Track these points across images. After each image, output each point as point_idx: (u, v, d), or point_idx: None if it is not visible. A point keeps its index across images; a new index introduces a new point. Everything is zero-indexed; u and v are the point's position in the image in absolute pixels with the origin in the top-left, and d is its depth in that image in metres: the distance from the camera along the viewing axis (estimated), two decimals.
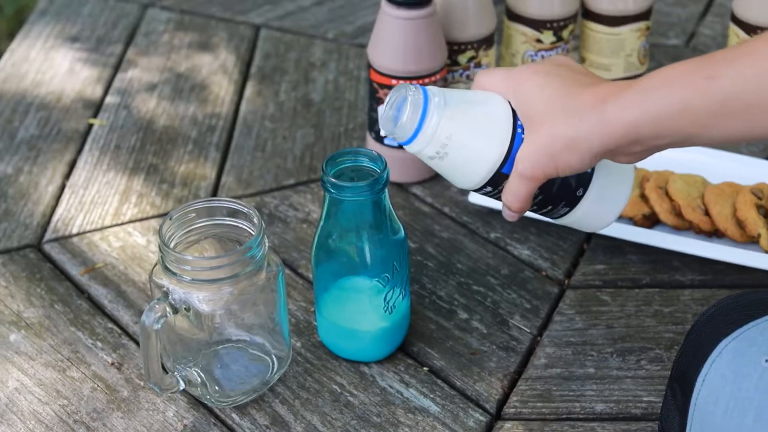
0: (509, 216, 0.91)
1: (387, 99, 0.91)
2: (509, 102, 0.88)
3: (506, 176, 0.88)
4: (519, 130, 0.87)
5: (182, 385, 1.00)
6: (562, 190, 0.90)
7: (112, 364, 1.07)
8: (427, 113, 0.87)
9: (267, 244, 0.98)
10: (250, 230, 0.99)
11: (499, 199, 0.91)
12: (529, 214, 0.94)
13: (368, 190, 0.97)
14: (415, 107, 0.88)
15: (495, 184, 0.89)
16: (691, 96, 0.79)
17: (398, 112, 0.90)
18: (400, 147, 1.25)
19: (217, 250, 1.02)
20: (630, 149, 0.83)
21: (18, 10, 2.67)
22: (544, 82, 0.86)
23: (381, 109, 0.93)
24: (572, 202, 0.91)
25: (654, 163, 1.24)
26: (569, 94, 0.84)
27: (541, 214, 0.94)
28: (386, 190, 0.98)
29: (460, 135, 0.88)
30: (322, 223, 1.00)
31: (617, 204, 0.93)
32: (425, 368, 1.06)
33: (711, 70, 0.79)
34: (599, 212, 0.93)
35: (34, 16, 1.62)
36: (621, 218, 1.20)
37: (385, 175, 0.97)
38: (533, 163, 0.85)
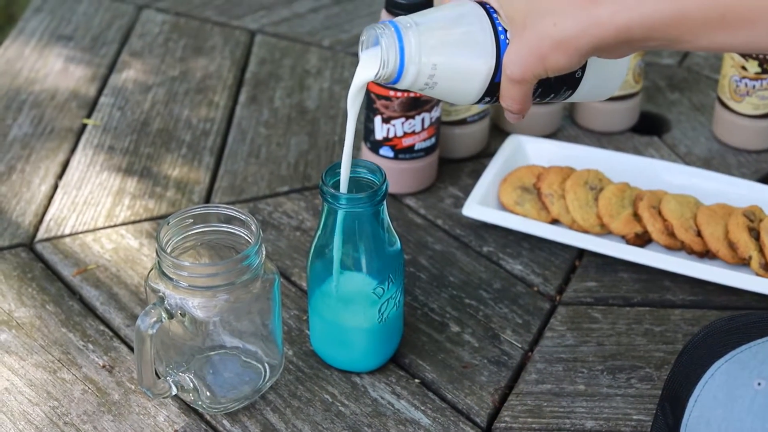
0: (512, 118, 0.88)
1: (360, 42, 0.89)
2: (487, 5, 0.86)
3: None
4: (502, 36, 0.85)
5: (174, 391, 1.00)
6: (561, 78, 0.87)
7: (104, 366, 1.06)
8: (405, 51, 0.85)
9: (264, 253, 0.98)
10: (247, 238, 0.99)
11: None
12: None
13: (367, 201, 0.97)
14: (390, 47, 0.85)
15: (492, 93, 0.87)
16: (690, 5, 0.77)
17: (374, 50, 0.87)
18: (396, 157, 1.25)
19: (212, 256, 1.02)
20: (618, 49, 0.81)
21: (7, 2, 2.66)
22: None
23: (360, 53, 0.89)
24: (573, 84, 0.89)
25: (647, 182, 1.25)
26: None
27: (545, 103, 0.92)
28: (385, 202, 0.99)
29: (445, 62, 0.85)
30: (319, 232, 1.00)
31: (620, 71, 0.91)
32: (417, 380, 1.06)
33: None
34: (603, 83, 0.91)
35: (29, 13, 1.62)
36: (613, 236, 1.21)
37: (384, 187, 0.98)
38: (522, 66, 0.83)
